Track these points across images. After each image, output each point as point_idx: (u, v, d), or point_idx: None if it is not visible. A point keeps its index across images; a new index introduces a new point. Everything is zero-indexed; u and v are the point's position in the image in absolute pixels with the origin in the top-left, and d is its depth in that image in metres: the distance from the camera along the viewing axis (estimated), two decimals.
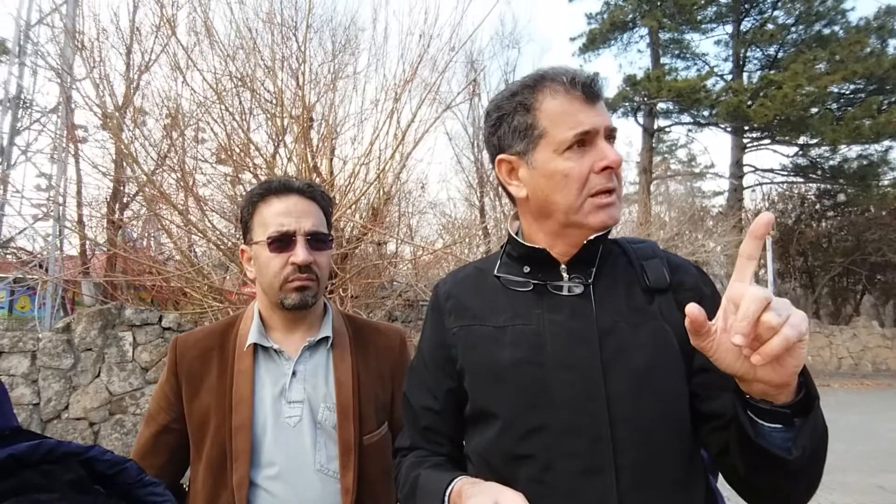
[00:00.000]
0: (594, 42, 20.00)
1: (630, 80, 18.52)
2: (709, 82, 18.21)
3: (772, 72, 17.38)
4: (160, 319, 4.99)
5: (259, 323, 1.17)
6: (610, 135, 0.86)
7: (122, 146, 4.59)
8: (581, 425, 0.81)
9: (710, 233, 17.16)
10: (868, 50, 15.66)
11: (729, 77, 19.24)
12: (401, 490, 0.94)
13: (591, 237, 0.87)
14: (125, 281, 5.92)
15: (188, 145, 5.54)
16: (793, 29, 17.93)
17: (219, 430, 1.09)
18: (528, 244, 0.91)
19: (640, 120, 19.92)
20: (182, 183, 4.85)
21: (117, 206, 6.86)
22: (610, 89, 19.85)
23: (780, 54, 18.13)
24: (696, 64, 20.21)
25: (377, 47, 5.67)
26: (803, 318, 0.58)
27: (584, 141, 0.84)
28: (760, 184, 19.45)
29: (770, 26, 18.27)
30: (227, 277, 5.49)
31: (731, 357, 0.63)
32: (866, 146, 16.17)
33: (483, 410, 0.89)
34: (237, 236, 5.48)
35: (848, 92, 16.37)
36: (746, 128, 17.77)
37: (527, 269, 0.92)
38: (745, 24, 19.14)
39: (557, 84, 0.85)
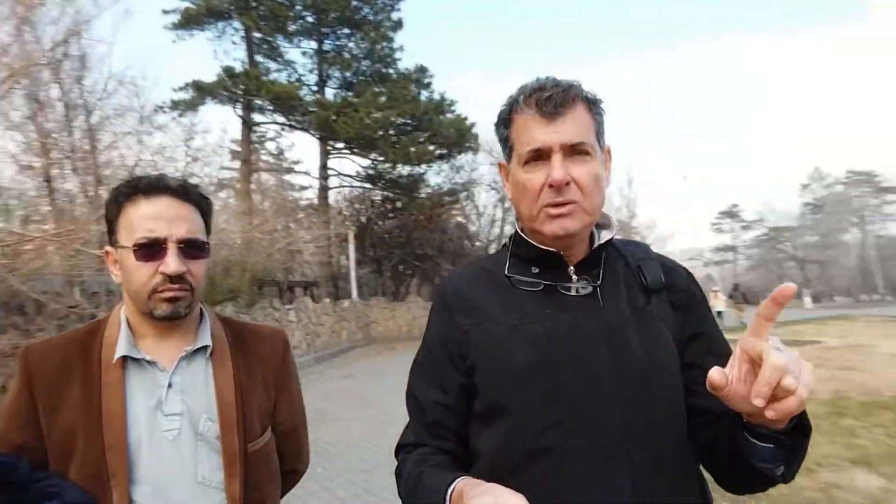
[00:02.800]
0: (189, 22, 18.57)
1: (228, 72, 18.11)
2: (301, 92, 19.78)
3: (350, 94, 20.23)
4: None
5: (128, 331, 1.07)
6: (572, 149, 0.87)
7: None
8: (593, 421, 0.84)
9: (302, 223, 19.05)
10: (412, 95, 19.97)
11: (315, 89, 21.22)
12: (403, 487, 0.94)
13: (602, 241, 0.95)
14: None
15: None
16: (364, 62, 21.14)
17: (89, 450, 0.99)
18: (542, 247, 0.93)
19: (240, 112, 19.81)
20: None
21: None
22: (209, 75, 18.83)
23: (356, 80, 21.14)
24: (287, 69, 21.27)
25: None
26: (811, 373, 0.64)
27: (538, 157, 0.88)
28: (342, 186, 22.48)
29: (346, 55, 21.00)
30: None
31: (744, 403, 0.67)
32: (412, 167, 20.96)
33: (495, 407, 0.89)
34: None
35: (402, 123, 20.27)
36: (332, 139, 20.18)
37: (535, 270, 0.95)
38: (327, 45, 21.32)
39: (523, 100, 0.90)
